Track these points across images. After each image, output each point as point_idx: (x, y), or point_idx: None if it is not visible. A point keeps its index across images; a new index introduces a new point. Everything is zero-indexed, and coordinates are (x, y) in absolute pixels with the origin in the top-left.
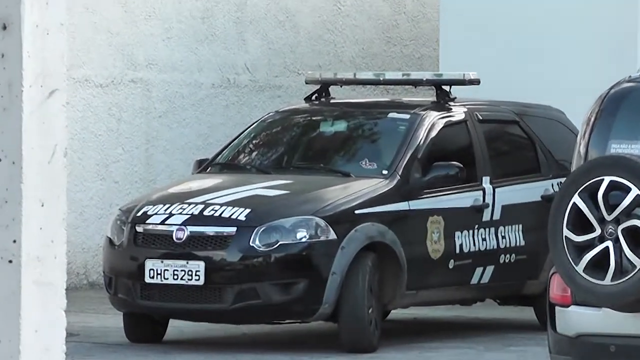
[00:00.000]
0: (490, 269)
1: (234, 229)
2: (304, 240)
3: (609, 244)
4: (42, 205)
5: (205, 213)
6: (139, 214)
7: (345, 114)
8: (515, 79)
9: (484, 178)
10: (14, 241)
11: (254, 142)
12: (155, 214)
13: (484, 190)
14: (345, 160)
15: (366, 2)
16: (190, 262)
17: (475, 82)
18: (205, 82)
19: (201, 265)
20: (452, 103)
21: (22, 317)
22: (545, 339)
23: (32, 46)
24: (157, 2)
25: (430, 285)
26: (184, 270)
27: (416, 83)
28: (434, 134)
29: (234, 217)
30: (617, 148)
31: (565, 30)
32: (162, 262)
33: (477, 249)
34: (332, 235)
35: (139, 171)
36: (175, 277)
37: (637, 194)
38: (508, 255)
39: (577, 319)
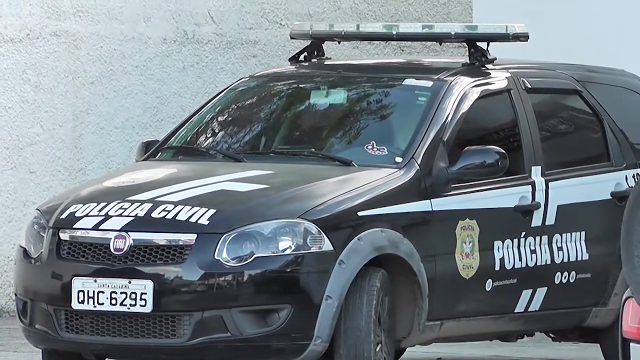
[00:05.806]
0: (541, 292)
1: (193, 236)
2: (288, 252)
3: None
4: None
5: (154, 215)
6: (63, 215)
7: (344, 80)
8: (577, 34)
9: (533, 168)
10: None
11: (220, 118)
12: (86, 215)
13: (533, 184)
14: (344, 144)
15: None
16: (134, 281)
17: (523, 37)
18: (154, 36)
19: (148, 285)
20: (490, 66)
21: None
22: None
23: None
24: None
25: (460, 314)
26: (125, 293)
27: (442, 38)
28: (465, 107)
29: (193, 220)
30: None
31: None
32: (95, 281)
33: (524, 264)
34: (327, 246)
35: (63, 157)
36: (114, 301)
37: None
38: (566, 274)
39: None
